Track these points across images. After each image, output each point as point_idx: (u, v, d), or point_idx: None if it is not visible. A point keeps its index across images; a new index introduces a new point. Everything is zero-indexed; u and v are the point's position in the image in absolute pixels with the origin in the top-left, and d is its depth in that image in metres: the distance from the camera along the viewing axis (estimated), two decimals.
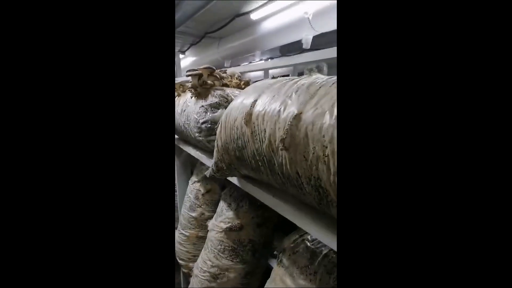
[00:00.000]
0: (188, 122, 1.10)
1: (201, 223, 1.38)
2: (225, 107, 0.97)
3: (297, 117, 0.49)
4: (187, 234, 1.43)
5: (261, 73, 2.12)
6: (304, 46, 2.12)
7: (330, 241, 0.50)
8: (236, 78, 1.10)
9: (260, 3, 2.20)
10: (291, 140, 0.50)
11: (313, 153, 0.46)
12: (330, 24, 1.92)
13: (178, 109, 1.21)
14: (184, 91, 1.24)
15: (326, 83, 0.51)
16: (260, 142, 0.58)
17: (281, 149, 0.51)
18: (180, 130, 1.25)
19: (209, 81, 0.99)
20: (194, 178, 1.48)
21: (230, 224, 1.02)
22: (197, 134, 1.04)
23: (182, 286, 1.68)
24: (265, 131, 0.57)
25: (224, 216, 1.06)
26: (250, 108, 0.63)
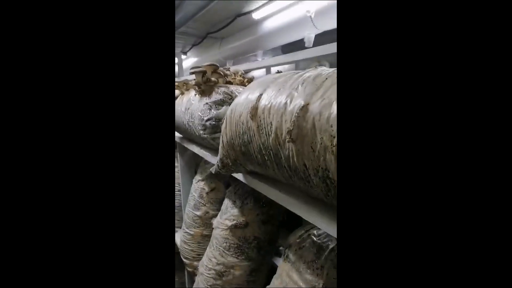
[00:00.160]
0: (192, 120, 1.11)
1: (206, 222, 1.38)
2: (229, 104, 0.97)
3: (304, 108, 0.49)
4: (191, 233, 1.43)
5: (262, 72, 2.12)
6: (306, 45, 2.11)
7: None
8: (240, 76, 1.10)
9: (262, 2, 2.20)
10: (298, 131, 0.49)
11: (321, 144, 0.46)
12: (333, 22, 1.91)
13: (181, 107, 1.21)
14: (187, 89, 1.25)
15: (333, 74, 0.51)
16: (266, 135, 0.58)
17: (288, 141, 0.51)
18: (184, 129, 1.25)
19: (213, 78, 0.99)
20: (198, 177, 1.48)
21: (235, 221, 1.02)
22: (201, 132, 1.04)
23: (187, 286, 1.68)
24: (271, 125, 0.57)
25: (229, 214, 1.06)
26: (256, 102, 0.63)
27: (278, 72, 0.77)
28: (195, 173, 1.58)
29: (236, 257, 1.03)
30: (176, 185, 1.77)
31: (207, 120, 0.99)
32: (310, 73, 0.57)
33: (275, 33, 2.27)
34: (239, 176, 0.87)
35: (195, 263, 1.41)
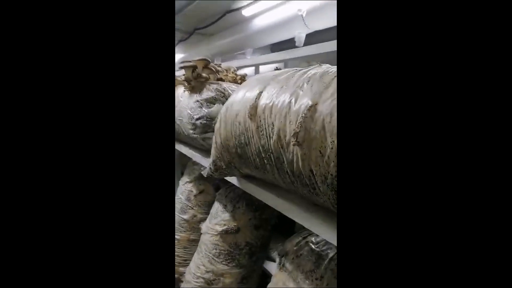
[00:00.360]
0: (181, 119, 1.04)
1: (193, 226, 1.31)
2: (222, 102, 0.91)
3: (312, 108, 0.44)
4: (177, 237, 1.35)
5: (251, 70, 2.06)
6: (297, 44, 2.08)
7: None
8: (232, 72, 1.04)
9: None
10: (305, 134, 0.45)
11: (331, 148, 0.42)
12: (324, 22, 1.89)
13: None
14: (175, 85, 1.17)
15: None
16: (267, 137, 0.54)
17: (294, 144, 0.46)
18: None
19: (204, 74, 0.93)
20: (185, 179, 1.41)
21: (226, 226, 0.97)
22: (191, 131, 0.98)
23: None
24: (273, 125, 0.52)
25: (219, 218, 1.01)
26: (255, 101, 0.58)
27: (277, 69, 0.72)
28: (182, 174, 1.51)
29: (226, 264, 0.97)
30: None
31: (197, 119, 0.93)
32: (315, 70, 0.53)
33: (265, 31, 2.22)
34: (232, 179, 0.82)
35: (181, 269, 1.34)
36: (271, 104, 0.53)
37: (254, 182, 0.72)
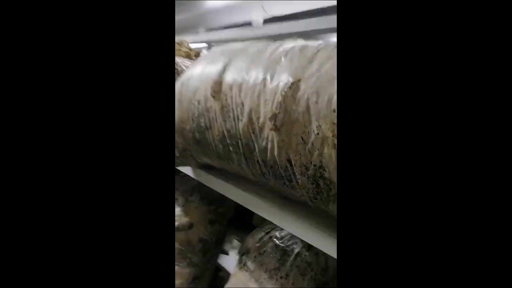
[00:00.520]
0: None
1: None
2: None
3: (294, 85, 0.37)
4: None
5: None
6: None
7: (328, 246, 0.40)
8: (186, 47, 0.91)
9: None
10: (285, 116, 0.37)
11: (317, 134, 0.35)
12: (283, 7, 1.84)
13: None
14: None
15: (326, 47, 0.40)
16: (234, 120, 0.45)
17: (271, 129, 0.38)
18: None
19: None
20: None
21: (177, 222, 0.86)
22: None
23: None
24: (242, 106, 0.43)
25: None
26: (219, 76, 0.48)
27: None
28: None
29: (176, 264, 0.87)
30: None
31: None
32: (291, 44, 0.46)
33: (221, 11, 2.08)
34: (185, 168, 0.71)
35: None
36: (240, 80, 0.45)
37: (212, 172, 0.63)
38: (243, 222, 1.01)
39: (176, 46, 0.89)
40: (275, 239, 0.66)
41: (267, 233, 0.68)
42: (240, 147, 0.45)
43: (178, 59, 0.81)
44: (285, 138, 0.38)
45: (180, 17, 2.40)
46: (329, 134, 0.34)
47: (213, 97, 0.47)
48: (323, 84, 0.35)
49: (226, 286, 0.71)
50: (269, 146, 0.41)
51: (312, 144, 0.36)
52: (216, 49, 0.60)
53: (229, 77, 0.47)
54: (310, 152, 0.36)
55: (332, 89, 0.34)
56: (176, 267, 0.88)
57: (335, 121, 0.33)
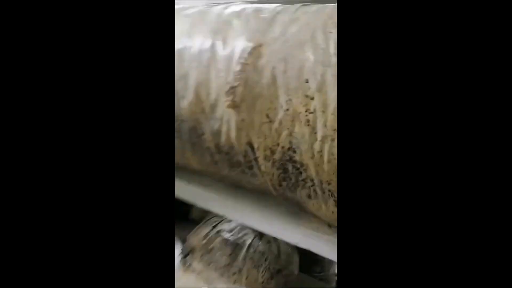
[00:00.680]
0: None
1: None
2: None
3: (256, 52, 0.30)
4: None
5: None
6: None
7: (292, 235, 0.36)
8: None
9: None
10: (245, 90, 0.31)
11: (286, 110, 0.30)
12: None
13: None
14: None
15: (286, 9, 0.35)
16: (176, 99, 0.35)
17: (228, 106, 0.31)
18: None
19: None
20: None
21: None
22: None
23: None
24: (185, 79, 0.34)
25: None
26: None
27: None
28: None
29: None
30: None
31: None
32: (241, 5, 0.38)
33: None
34: None
35: None
36: (181, 47, 0.35)
37: None
38: (178, 219, 0.92)
39: None
40: (223, 233, 0.60)
41: (214, 227, 0.62)
42: (184, 131, 0.37)
43: None
44: (245, 117, 0.32)
45: None
46: (302, 109, 0.29)
47: None
48: (291, 50, 0.29)
49: None
50: (223, 129, 0.33)
51: (280, 122, 0.30)
52: None
53: None
54: (277, 132, 0.31)
55: (302, 56, 0.29)
56: None
57: (309, 93, 0.28)
